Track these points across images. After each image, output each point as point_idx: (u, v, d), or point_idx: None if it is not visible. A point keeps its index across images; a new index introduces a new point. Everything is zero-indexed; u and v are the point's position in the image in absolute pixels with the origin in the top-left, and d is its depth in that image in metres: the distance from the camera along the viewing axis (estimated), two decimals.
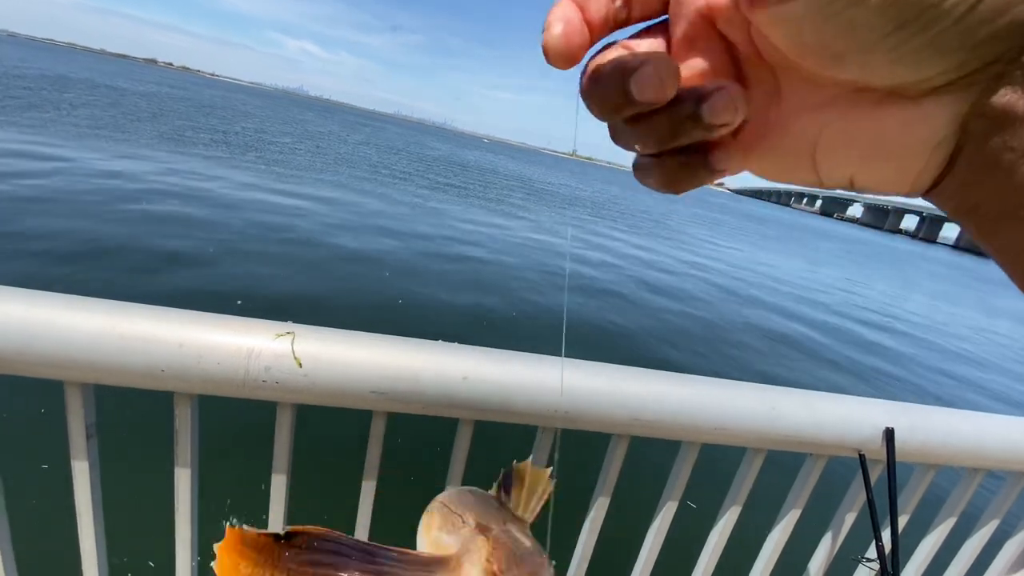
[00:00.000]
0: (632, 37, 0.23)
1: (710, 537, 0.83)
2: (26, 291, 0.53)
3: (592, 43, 0.21)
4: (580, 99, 0.23)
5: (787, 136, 0.22)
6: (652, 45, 0.23)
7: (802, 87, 0.21)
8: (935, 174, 0.20)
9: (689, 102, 0.20)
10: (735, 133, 0.23)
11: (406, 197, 12.71)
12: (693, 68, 0.22)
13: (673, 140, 0.22)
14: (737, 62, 0.23)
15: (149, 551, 1.38)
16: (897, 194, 0.22)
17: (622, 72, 0.20)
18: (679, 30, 0.22)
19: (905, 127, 0.20)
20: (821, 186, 0.24)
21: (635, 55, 0.21)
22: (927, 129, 0.19)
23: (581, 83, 0.22)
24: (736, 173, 0.26)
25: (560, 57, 0.20)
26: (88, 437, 0.60)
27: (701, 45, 0.22)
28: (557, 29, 0.20)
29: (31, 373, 0.54)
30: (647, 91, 0.19)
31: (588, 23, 0.21)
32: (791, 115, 0.22)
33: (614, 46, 0.22)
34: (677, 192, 0.24)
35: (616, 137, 0.24)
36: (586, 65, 0.22)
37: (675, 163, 0.23)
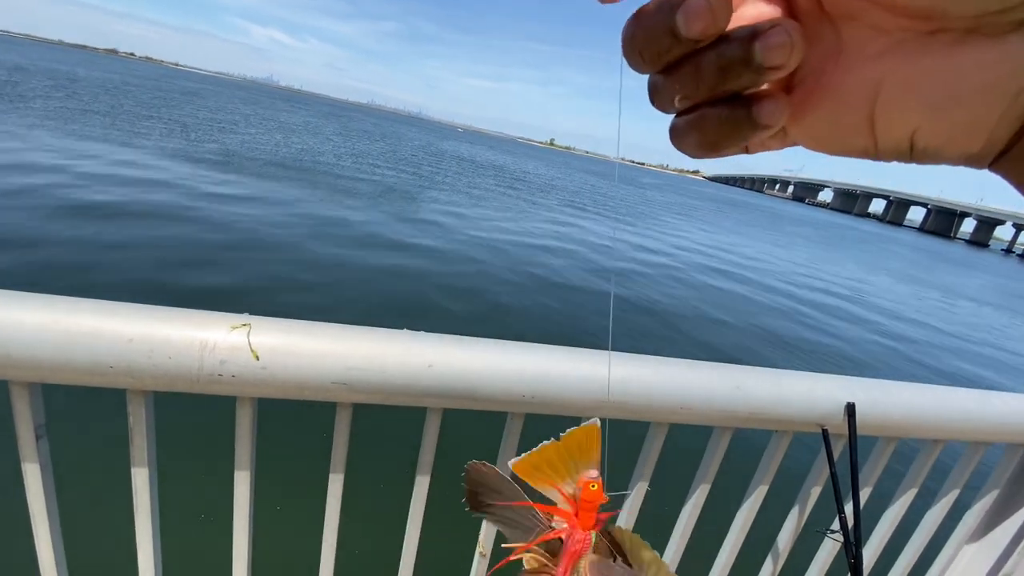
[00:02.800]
0: None
1: (680, 516, 0.84)
2: None
3: None
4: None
5: (844, 93, 0.20)
6: None
7: (865, 35, 0.19)
8: (1014, 128, 0.18)
9: (740, 40, 0.18)
10: (788, 89, 0.21)
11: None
12: (745, 14, 0.20)
13: (719, 85, 0.19)
14: (795, 14, 0.20)
15: (111, 553, 1.34)
16: (965, 156, 0.20)
17: (669, 5, 0.18)
18: None
19: (983, 69, 0.17)
20: (876, 154, 0.22)
21: None
22: (1009, 70, 0.17)
23: (624, 29, 0.20)
24: (781, 144, 0.24)
25: None
26: (38, 438, 0.58)
27: None
28: None
29: None
30: (695, 23, 0.18)
31: None
32: (850, 69, 0.20)
33: None
34: (717, 153, 0.22)
35: (655, 95, 0.22)
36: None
37: (716, 117, 0.20)
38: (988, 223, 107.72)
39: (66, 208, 6.05)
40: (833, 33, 0.20)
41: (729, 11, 0.18)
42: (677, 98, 0.21)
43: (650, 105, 0.23)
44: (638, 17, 0.19)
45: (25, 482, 0.59)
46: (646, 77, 0.22)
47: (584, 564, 0.37)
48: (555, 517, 0.39)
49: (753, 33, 0.18)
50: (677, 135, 0.22)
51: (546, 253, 9.03)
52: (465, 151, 42.31)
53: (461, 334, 0.65)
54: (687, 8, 0.18)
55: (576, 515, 0.38)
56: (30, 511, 0.60)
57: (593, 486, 0.38)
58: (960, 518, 1.05)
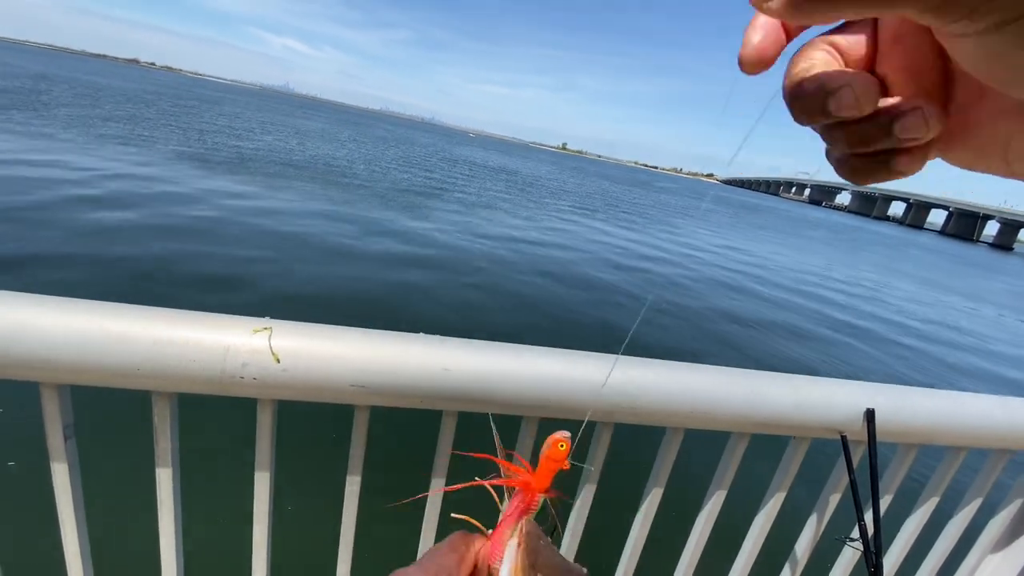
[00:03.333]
0: (836, 30, 0.24)
1: (696, 522, 0.84)
2: None
3: (788, 42, 0.22)
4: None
5: (983, 135, 0.23)
6: (856, 42, 0.23)
7: (998, 92, 0.22)
8: None
9: (884, 116, 0.21)
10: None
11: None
12: (896, 64, 0.23)
13: (863, 147, 0.23)
14: (944, 60, 0.23)
15: (135, 551, 1.37)
16: None
17: (823, 91, 0.21)
18: (887, 24, 0.23)
19: None
20: (1011, 176, 0.25)
21: (837, 75, 0.21)
22: None
23: (784, 86, 0.22)
24: (923, 163, 0.27)
25: (752, 66, 0.22)
26: (66, 438, 0.60)
27: (908, 41, 0.23)
28: (755, 39, 0.21)
29: (5, 375, 0.53)
30: (844, 111, 0.21)
31: (786, 28, 0.22)
32: (991, 116, 0.23)
33: (816, 45, 0.23)
34: (857, 184, 0.25)
35: (821, 135, 0.25)
36: (788, 68, 0.23)
37: (860, 162, 0.24)
38: (1012, 226, 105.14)
39: (93, 212, 6.20)
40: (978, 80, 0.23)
41: (876, 100, 0.21)
42: (828, 144, 0.24)
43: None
44: (797, 88, 0.22)
45: (53, 480, 0.61)
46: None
47: (522, 524, 0.35)
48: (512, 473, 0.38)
49: (895, 113, 0.21)
50: (831, 160, 0.25)
51: (559, 255, 9.03)
52: (477, 156, 42.48)
53: (478, 338, 0.65)
54: (838, 99, 0.21)
55: (532, 473, 0.37)
56: (58, 508, 0.62)
57: (562, 445, 0.36)
58: (983, 527, 1.03)
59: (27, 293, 0.54)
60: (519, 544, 0.34)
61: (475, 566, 0.36)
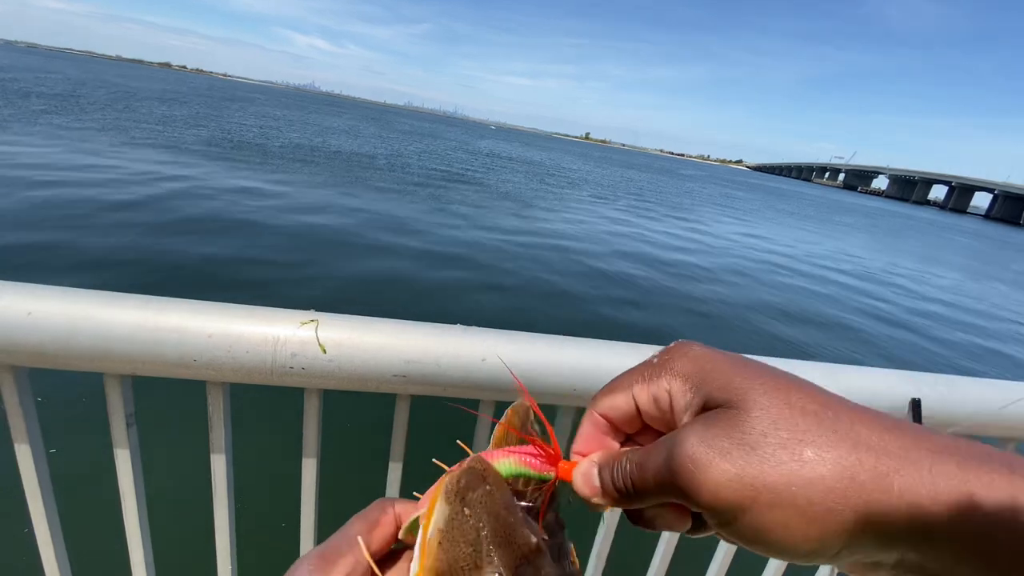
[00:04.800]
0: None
1: None
2: (63, 288, 0.55)
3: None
4: None
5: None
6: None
7: None
8: None
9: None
10: None
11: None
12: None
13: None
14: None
15: (190, 533, 1.44)
16: None
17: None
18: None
19: None
20: None
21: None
22: None
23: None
24: None
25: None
26: (128, 426, 0.63)
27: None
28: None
29: (73, 367, 0.56)
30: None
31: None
32: None
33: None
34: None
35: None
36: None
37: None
38: None
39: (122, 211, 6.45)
40: None
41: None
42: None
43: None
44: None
45: (116, 466, 0.65)
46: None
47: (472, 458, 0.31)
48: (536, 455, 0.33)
49: None
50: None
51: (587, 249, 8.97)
52: (500, 149, 42.39)
53: (517, 329, 0.66)
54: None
55: (558, 459, 0.33)
56: (120, 492, 0.66)
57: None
58: None
59: (88, 289, 0.57)
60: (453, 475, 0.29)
61: (398, 528, 0.34)
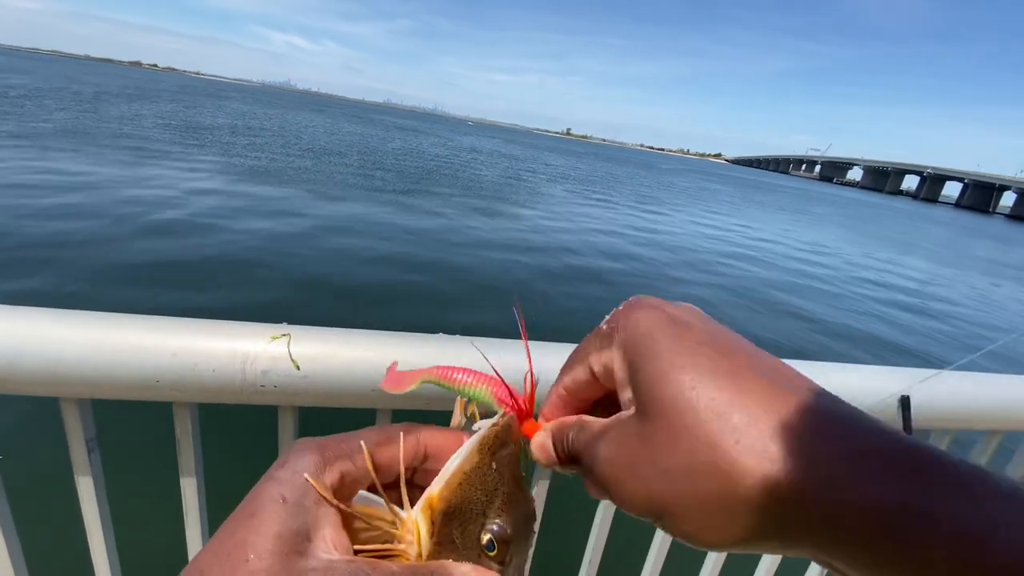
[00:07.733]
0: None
1: None
2: (9, 307, 0.51)
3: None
4: None
5: None
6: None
7: None
8: None
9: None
10: None
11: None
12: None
13: None
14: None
15: (162, 562, 1.39)
16: None
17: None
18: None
19: None
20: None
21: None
22: None
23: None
24: None
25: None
26: (89, 451, 0.59)
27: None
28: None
29: (23, 391, 0.52)
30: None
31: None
32: None
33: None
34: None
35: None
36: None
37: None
38: None
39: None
40: None
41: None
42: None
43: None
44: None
45: (79, 493, 0.61)
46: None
47: (506, 414, 0.32)
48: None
49: None
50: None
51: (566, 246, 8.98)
52: (480, 145, 42.23)
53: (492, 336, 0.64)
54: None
55: (521, 403, 0.34)
56: (84, 520, 0.62)
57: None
58: None
59: (39, 307, 0.53)
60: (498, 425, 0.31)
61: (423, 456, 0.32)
